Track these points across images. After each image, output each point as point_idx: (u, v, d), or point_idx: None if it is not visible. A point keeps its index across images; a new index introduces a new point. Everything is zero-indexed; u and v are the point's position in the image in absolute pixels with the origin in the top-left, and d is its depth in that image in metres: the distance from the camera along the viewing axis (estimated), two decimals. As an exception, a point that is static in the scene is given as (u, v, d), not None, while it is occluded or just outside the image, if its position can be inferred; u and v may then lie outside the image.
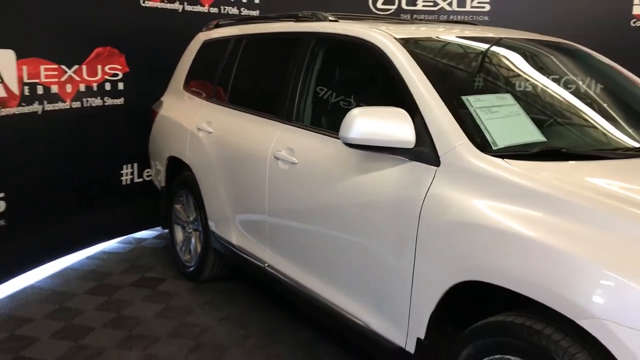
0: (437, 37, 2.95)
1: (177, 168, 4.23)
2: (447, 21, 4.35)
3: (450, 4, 6.62)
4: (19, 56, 3.94)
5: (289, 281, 3.09)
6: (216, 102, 3.92)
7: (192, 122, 3.97)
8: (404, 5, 6.64)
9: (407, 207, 2.28)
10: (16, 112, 3.95)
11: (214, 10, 5.51)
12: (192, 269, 4.14)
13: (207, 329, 3.52)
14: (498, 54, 2.97)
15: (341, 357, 3.20)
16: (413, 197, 2.27)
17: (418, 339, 2.27)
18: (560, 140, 2.45)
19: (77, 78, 4.44)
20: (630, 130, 2.63)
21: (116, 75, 4.77)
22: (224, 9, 5.62)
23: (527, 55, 2.96)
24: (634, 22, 6.14)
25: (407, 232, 2.26)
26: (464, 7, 6.61)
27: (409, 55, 2.56)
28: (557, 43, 3.31)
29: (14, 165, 3.98)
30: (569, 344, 1.75)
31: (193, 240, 4.18)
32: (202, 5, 5.43)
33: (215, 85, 3.99)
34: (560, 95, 2.81)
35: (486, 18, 6.66)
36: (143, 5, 4.88)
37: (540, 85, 2.82)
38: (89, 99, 4.56)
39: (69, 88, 4.38)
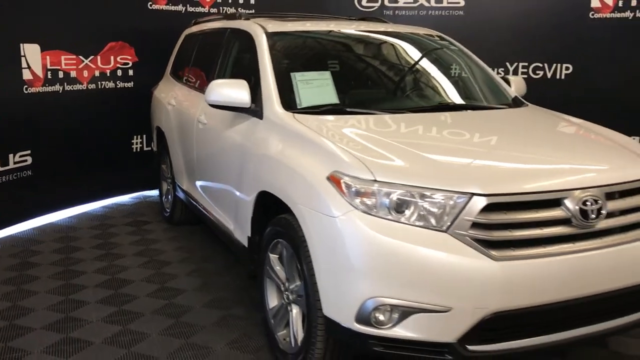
0: (302, 30, 3.94)
1: (162, 135, 5.43)
2: (360, 18, 5.13)
3: (428, 1, 7.45)
4: (43, 49, 5.26)
5: (207, 213, 4.20)
6: (182, 82, 5.08)
7: (167, 99, 5.16)
8: (386, 3, 7.54)
9: (243, 148, 3.34)
10: (40, 91, 5.28)
11: (214, 10, 6.67)
12: (167, 214, 5.35)
13: (163, 252, 4.70)
14: (341, 42, 3.94)
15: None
16: (248, 141, 3.32)
17: (248, 236, 3.32)
18: (357, 102, 3.42)
19: (92, 66, 5.74)
20: (417, 98, 3.55)
21: (127, 64, 6.05)
22: (223, 9, 6.79)
23: (374, 43, 3.91)
24: (593, 15, 6.73)
25: (242, 164, 3.32)
26: (441, 2, 7.42)
27: (267, 44, 3.59)
28: (421, 35, 4.18)
29: (39, 131, 5.30)
30: (298, 225, 2.74)
31: (170, 191, 5.37)
32: (203, 7, 6.62)
33: (183, 69, 5.16)
34: (377, 73, 3.74)
35: (461, 13, 7.44)
36: (150, 8, 6.13)
37: (364, 65, 3.77)
38: (103, 82, 5.86)
39: (85, 73, 5.69)
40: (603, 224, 2.48)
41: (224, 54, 4.18)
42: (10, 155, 5.07)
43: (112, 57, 5.92)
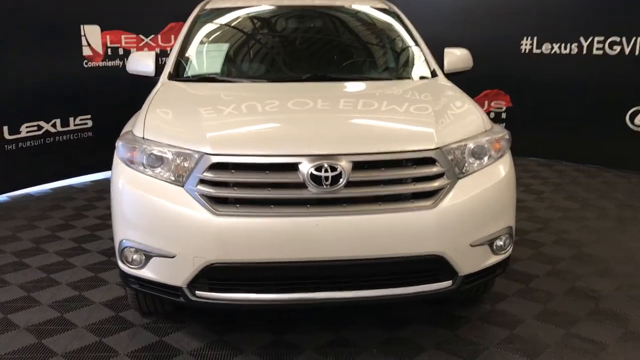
0: (237, 6, 4.18)
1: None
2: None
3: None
4: (103, 29, 6.18)
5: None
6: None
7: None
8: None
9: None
10: (100, 65, 6.22)
11: None
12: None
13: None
14: (266, 18, 4.12)
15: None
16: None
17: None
18: (233, 72, 3.65)
19: (152, 44, 6.56)
20: (297, 69, 3.67)
21: (187, 42, 6.77)
22: None
23: (298, 18, 4.05)
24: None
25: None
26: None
27: (193, 18, 3.97)
28: (360, 10, 4.18)
29: (98, 98, 6.25)
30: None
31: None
32: None
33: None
34: (280, 45, 3.88)
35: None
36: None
37: (272, 38, 3.95)
38: (164, 58, 6.63)
39: (146, 51, 6.51)
40: (345, 192, 2.47)
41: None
42: (71, 119, 6.09)
43: (172, 36, 6.68)
